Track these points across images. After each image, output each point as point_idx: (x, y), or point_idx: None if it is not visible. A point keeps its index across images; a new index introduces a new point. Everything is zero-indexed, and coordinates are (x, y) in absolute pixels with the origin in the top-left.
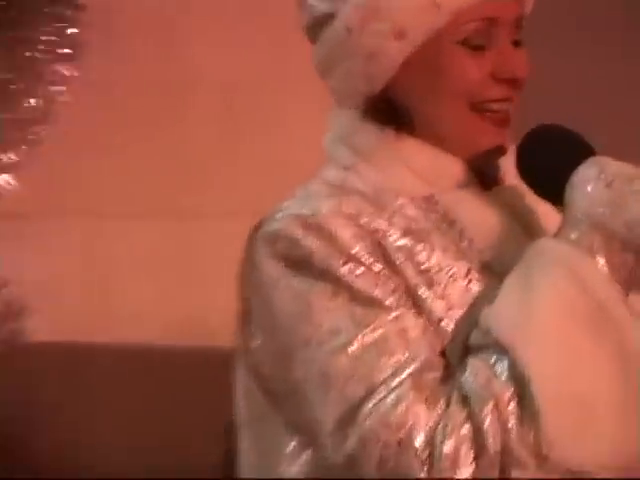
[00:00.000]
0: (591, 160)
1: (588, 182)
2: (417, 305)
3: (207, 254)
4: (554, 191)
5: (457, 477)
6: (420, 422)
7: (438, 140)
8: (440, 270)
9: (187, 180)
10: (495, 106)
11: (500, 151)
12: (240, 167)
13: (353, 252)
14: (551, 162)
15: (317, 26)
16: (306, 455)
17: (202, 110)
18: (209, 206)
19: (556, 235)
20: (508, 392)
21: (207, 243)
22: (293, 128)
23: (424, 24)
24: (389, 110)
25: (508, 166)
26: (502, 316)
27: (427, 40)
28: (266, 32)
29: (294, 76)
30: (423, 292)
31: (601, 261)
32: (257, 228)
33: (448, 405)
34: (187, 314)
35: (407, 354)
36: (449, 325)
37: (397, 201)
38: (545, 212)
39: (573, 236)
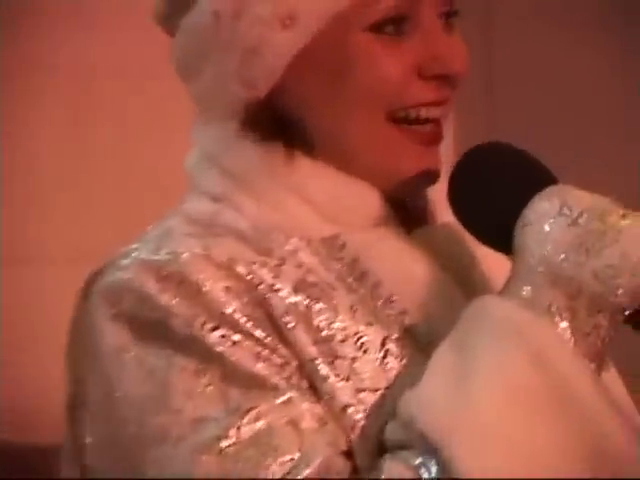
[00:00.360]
0: (550, 190)
1: (546, 218)
2: (314, 386)
3: (45, 312)
4: (499, 233)
5: None
6: None
7: (344, 161)
8: (346, 339)
9: (18, 213)
10: (423, 112)
11: (429, 177)
12: (87, 196)
13: (227, 313)
14: (494, 193)
15: (176, 11)
16: None
17: (41, 111)
18: (45, 249)
19: (503, 291)
20: None
21: (45, 296)
22: (160, 143)
23: (320, 5)
24: (277, 121)
25: (440, 198)
26: (430, 402)
27: (325, 27)
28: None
29: (161, 74)
30: (322, 368)
31: (563, 325)
32: (94, 279)
33: None
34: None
35: (299, 453)
36: (358, 414)
37: (287, 244)
38: (490, 260)
39: (525, 292)
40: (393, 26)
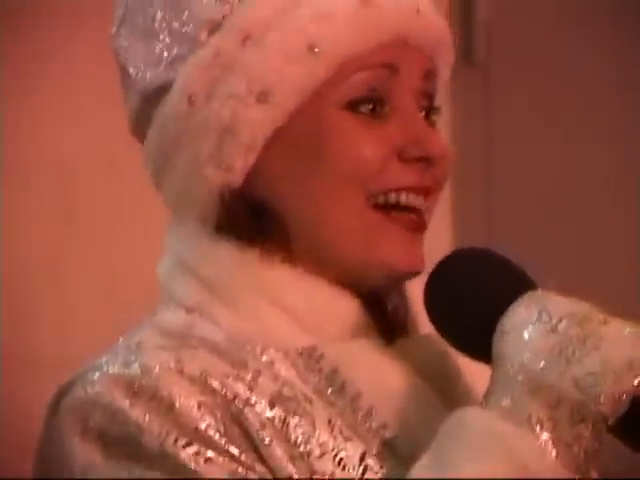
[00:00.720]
0: (528, 296)
1: (524, 325)
2: None
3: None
4: (476, 341)
5: None
6: None
7: (322, 255)
8: (324, 454)
9: (10, 314)
10: (403, 198)
11: (412, 266)
12: (74, 299)
13: (200, 429)
14: (471, 301)
15: (148, 106)
16: None
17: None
18: (38, 352)
19: (483, 401)
20: None
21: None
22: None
23: (295, 80)
24: (253, 218)
25: (422, 306)
26: None
27: (301, 104)
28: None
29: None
30: None
31: (544, 436)
32: (61, 394)
33: None
34: None
35: None
36: None
37: (264, 356)
38: (473, 369)
39: (505, 402)
40: (371, 107)
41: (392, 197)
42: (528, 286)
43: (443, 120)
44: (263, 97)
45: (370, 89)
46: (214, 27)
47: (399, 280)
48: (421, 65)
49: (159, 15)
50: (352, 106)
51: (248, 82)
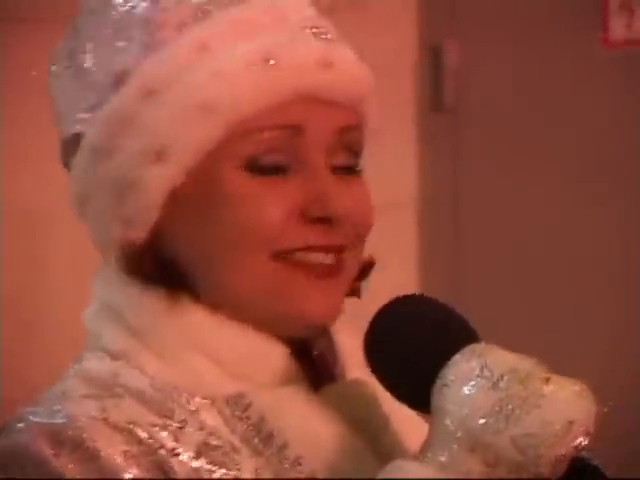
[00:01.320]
0: (469, 350)
1: (465, 380)
2: None
3: None
4: (416, 392)
5: None
6: None
7: (236, 311)
8: None
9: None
10: (311, 257)
11: (330, 313)
12: (43, 346)
13: (125, 479)
14: (412, 351)
15: (68, 153)
16: None
17: None
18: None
19: (420, 454)
20: None
21: None
22: None
23: (192, 138)
24: (161, 272)
25: (351, 349)
26: None
27: (200, 163)
28: None
29: None
30: None
31: None
32: None
33: None
34: None
35: None
36: None
37: (190, 404)
38: (406, 418)
39: (443, 458)
40: (272, 164)
41: (297, 256)
42: (470, 337)
43: (412, 165)
44: (161, 156)
45: (270, 149)
46: (120, 79)
47: (315, 330)
48: (334, 120)
49: (88, 59)
50: (251, 166)
51: (147, 140)
